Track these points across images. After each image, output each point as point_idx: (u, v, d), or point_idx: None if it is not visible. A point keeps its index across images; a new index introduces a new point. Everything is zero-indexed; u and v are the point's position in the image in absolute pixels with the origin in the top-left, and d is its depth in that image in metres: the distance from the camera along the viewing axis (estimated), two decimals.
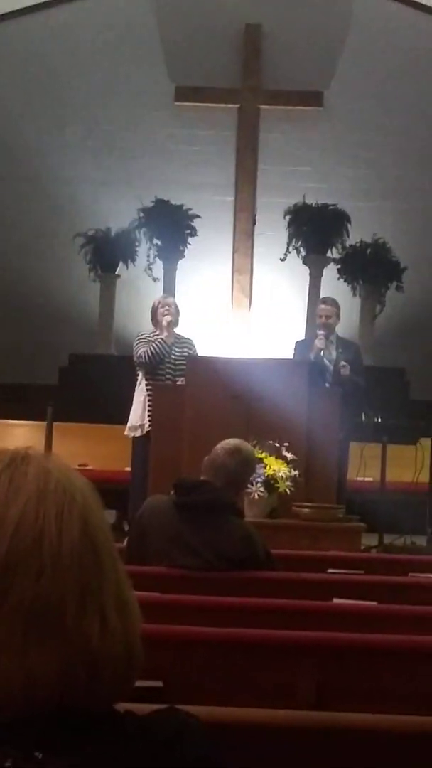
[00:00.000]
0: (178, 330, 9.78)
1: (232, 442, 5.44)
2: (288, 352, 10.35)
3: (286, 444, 8.24)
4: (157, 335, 9.57)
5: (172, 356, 9.50)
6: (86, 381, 13.04)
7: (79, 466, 9.93)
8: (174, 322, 9.64)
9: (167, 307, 9.70)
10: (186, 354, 9.50)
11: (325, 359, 9.84)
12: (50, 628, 1.39)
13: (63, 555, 1.41)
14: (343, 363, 9.79)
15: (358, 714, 2.79)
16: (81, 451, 11.28)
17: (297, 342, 10.46)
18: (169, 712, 1.53)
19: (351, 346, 10.36)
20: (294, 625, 3.80)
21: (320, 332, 10.00)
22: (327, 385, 9.62)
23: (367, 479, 9.95)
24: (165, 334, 9.52)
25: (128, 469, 9.82)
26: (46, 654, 1.38)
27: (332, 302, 10.31)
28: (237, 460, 5.32)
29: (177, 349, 9.55)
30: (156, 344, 9.43)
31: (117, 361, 13.04)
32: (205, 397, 8.73)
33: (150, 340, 9.50)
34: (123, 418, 9.73)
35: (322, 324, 10.07)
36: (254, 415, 8.53)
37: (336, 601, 4.53)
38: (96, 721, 1.41)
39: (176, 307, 9.80)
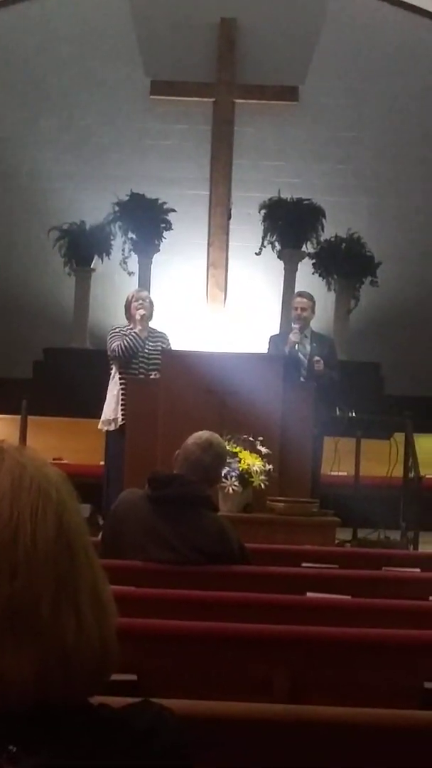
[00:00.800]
0: (152, 324, 9.77)
1: (204, 435, 5.42)
2: (263, 347, 10.36)
3: (260, 438, 8.24)
4: (131, 329, 9.55)
5: (146, 350, 9.49)
6: (61, 375, 13.02)
7: (54, 459, 9.90)
8: (148, 316, 9.63)
9: (141, 301, 9.68)
10: (160, 348, 9.49)
11: (299, 353, 9.87)
12: (25, 627, 1.38)
13: (38, 554, 1.41)
14: (317, 358, 9.82)
15: (333, 707, 2.80)
16: (56, 444, 11.27)
17: (271, 336, 10.48)
18: (143, 705, 1.53)
19: (326, 341, 10.38)
20: (268, 619, 3.80)
21: (295, 326, 10.04)
22: (302, 379, 9.65)
23: (341, 474, 9.97)
24: (138, 328, 9.50)
25: (103, 462, 9.82)
26: (22, 653, 1.38)
27: (308, 296, 10.34)
28: (211, 455, 5.32)
29: (150, 343, 9.55)
30: (129, 338, 9.41)
31: (92, 355, 13.02)
32: (180, 391, 8.72)
33: (124, 334, 9.49)
34: (98, 412, 9.72)
35: (297, 317, 10.10)
36: (229, 409, 8.52)
37: (310, 595, 4.54)
38: (70, 715, 1.41)
39: (150, 301, 9.79)
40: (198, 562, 4.87)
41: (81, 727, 1.42)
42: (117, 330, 9.63)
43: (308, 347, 9.97)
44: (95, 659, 1.43)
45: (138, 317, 9.54)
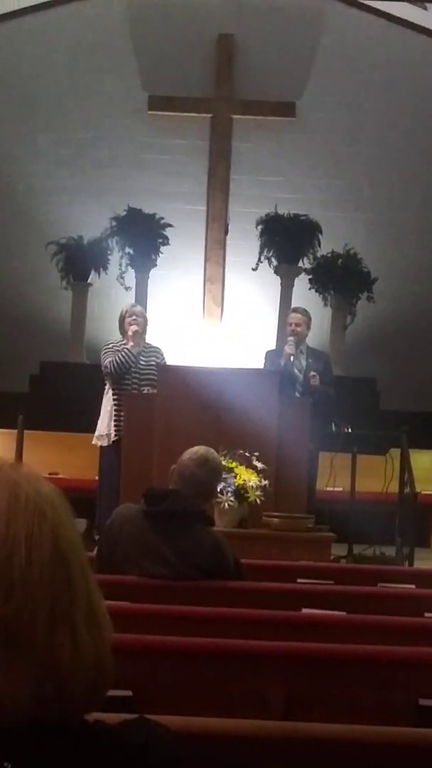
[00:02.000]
0: (147, 338, 9.79)
1: (200, 451, 5.42)
2: (259, 362, 10.37)
3: (256, 454, 8.24)
4: (124, 344, 9.57)
5: (140, 365, 9.51)
6: (57, 389, 13.01)
7: (50, 474, 9.92)
8: (141, 331, 9.66)
9: (134, 317, 9.70)
10: (153, 363, 9.51)
11: (294, 369, 9.89)
12: (20, 647, 1.38)
13: (33, 574, 1.40)
14: (312, 373, 9.84)
15: (327, 724, 2.80)
16: (52, 459, 11.26)
17: (267, 352, 10.49)
18: (138, 722, 1.53)
19: (321, 357, 10.40)
20: (263, 635, 3.80)
21: (290, 338, 10.06)
22: (297, 394, 9.66)
23: (336, 489, 9.96)
24: (131, 344, 9.51)
25: (97, 477, 9.83)
26: (17, 672, 1.38)
27: (303, 311, 10.38)
28: (206, 470, 5.32)
29: (144, 359, 9.57)
30: (122, 354, 9.43)
31: (88, 369, 13.01)
32: (176, 406, 8.72)
33: (117, 350, 9.50)
34: (94, 427, 9.73)
35: (292, 332, 10.14)
36: (225, 424, 8.53)
37: (305, 611, 4.53)
38: (65, 731, 1.41)
39: (144, 317, 9.81)
40: (193, 578, 4.87)
41: (75, 743, 1.42)
42: (110, 345, 9.66)
43: (304, 362, 10.00)
44: (91, 677, 1.43)
45: (130, 333, 9.56)
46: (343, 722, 2.89)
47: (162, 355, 9.76)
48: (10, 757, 1.37)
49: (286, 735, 2.65)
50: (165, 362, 9.73)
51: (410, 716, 3.28)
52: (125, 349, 9.46)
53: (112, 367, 9.42)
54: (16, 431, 10.55)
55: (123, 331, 9.75)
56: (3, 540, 1.41)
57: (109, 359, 9.47)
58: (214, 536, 5.09)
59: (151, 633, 3.70)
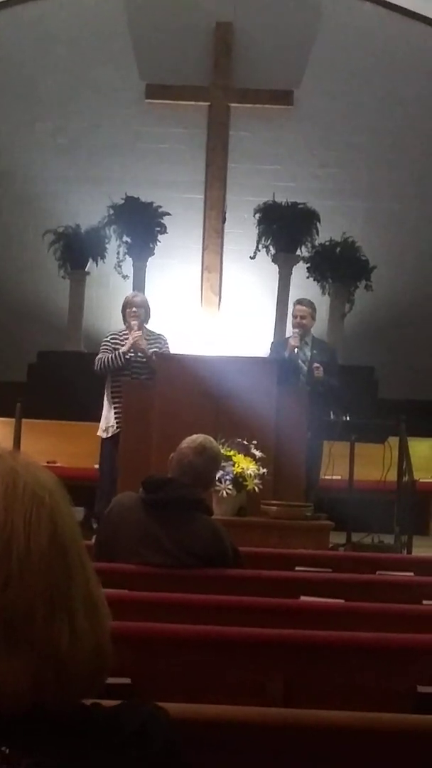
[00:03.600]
0: (149, 326, 9.78)
1: (198, 439, 5.42)
2: (258, 350, 10.40)
3: (254, 442, 8.25)
4: (126, 335, 9.56)
5: (139, 354, 9.50)
6: (55, 378, 13.01)
7: (48, 463, 9.92)
8: (142, 321, 9.65)
9: (134, 309, 9.68)
10: (155, 350, 9.50)
11: (299, 360, 9.94)
12: (19, 635, 1.38)
13: (31, 561, 1.40)
14: (316, 364, 9.88)
15: (326, 711, 2.80)
16: (50, 448, 11.26)
17: (273, 342, 10.55)
18: (136, 705, 1.53)
19: (326, 348, 10.48)
20: (262, 622, 3.80)
21: (295, 330, 10.12)
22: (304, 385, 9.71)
23: (335, 477, 9.96)
24: (134, 332, 9.49)
25: (97, 466, 9.85)
26: (16, 660, 1.38)
27: (308, 303, 10.45)
28: (204, 458, 5.32)
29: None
30: (113, 357, 9.42)
31: (86, 358, 12.98)
32: (175, 394, 8.72)
33: (114, 347, 9.49)
34: (92, 416, 9.74)
35: (297, 323, 10.19)
36: (223, 412, 8.53)
37: (303, 598, 4.54)
38: (63, 716, 1.42)
39: (145, 306, 9.79)
40: (191, 565, 4.87)
41: (73, 727, 1.42)
42: (109, 339, 9.65)
43: (309, 353, 10.04)
44: (90, 664, 1.43)
45: (134, 326, 9.55)
46: (341, 709, 2.89)
47: (164, 341, 9.74)
48: (7, 741, 1.37)
49: (284, 722, 2.66)
50: (168, 349, 9.73)
51: (409, 703, 3.29)
52: (118, 353, 9.43)
53: (100, 366, 9.47)
54: (14, 420, 10.55)
55: (125, 320, 9.76)
56: (1, 527, 1.41)
57: (100, 357, 9.50)
58: (212, 524, 5.09)
59: (150, 621, 3.71)
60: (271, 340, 12.26)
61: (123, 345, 9.52)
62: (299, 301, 10.64)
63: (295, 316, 10.33)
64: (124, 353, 9.44)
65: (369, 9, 15.11)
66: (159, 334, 9.79)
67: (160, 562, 4.87)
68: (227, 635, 3.56)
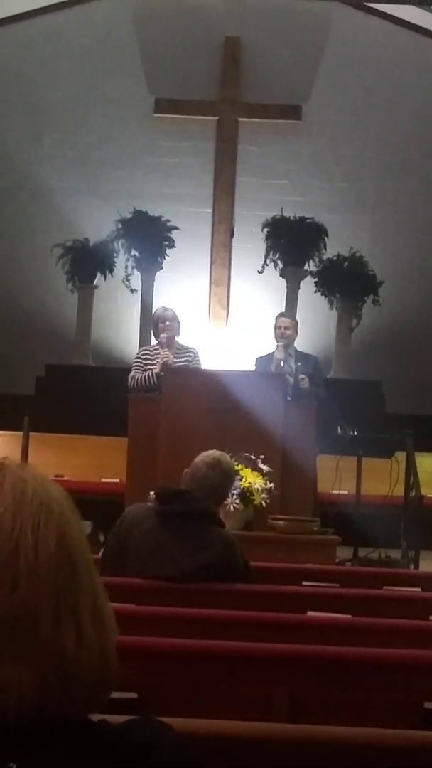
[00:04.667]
0: (179, 339, 9.67)
1: (213, 454, 5.45)
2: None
3: (261, 456, 8.24)
4: (157, 351, 9.45)
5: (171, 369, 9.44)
6: (63, 391, 13.02)
7: (55, 476, 9.90)
8: (176, 334, 9.57)
9: (167, 323, 9.59)
10: (185, 366, 9.42)
11: (285, 372, 9.91)
12: (24, 641, 1.39)
13: (39, 567, 1.41)
14: (302, 376, 9.85)
15: (333, 727, 2.80)
16: (57, 461, 11.25)
17: (258, 358, 10.47)
18: (142, 721, 1.53)
19: (309, 359, 10.42)
20: (268, 637, 3.80)
21: (279, 343, 10.11)
22: (288, 398, 9.66)
23: (342, 492, 9.95)
24: (163, 352, 9.38)
25: (105, 480, 9.85)
26: (20, 667, 1.38)
27: (290, 316, 10.60)
28: (218, 472, 5.35)
29: (177, 360, 9.47)
30: (146, 376, 9.33)
31: (94, 371, 13.05)
32: (182, 408, 8.72)
33: (146, 367, 9.38)
34: (100, 429, 9.73)
35: (281, 335, 10.19)
36: (230, 427, 8.52)
37: (310, 613, 4.53)
38: (69, 731, 1.42)
39: (177, 320, 9.68)
40: (201, 578, 4.87)
41: (79, 743, 1.42)
42: (141, 355, 9.57)
43: (293, 366, 10.02)
44: (95, 674, 1.43)
45: (164, 341, 9.46)
46: (348, 725, 2.88)
47: (195, 354, 9.64)
48: (14, 757, 1.37)
49: (291, 738, 2.65)
50: (199, 362, 9.64)
51: (416, 719, 3.28)
52: (150, 374, 9.32)
53: (133, 384, 9.35)
54: (21, 433, 10.55)
55: (156, 334, 9.67)
56: (9, 532, 1.41)
57: (133, 375, 9.40)
58: (224, 537, 5.10)
59: (156, 635, 3.70)
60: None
61: (154, 360, 9.41)
62: (281, 314, 10.69)
63: (278, 327, 10.31)
64: (157, 374, 9.35)
65: (376, 24, 15.14)
66: (190, 348, 9.69)
67: (170, 573, 4.87)
68: (234, 650, 3.55)
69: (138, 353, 9.76)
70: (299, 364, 10.09)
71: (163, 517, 5.02)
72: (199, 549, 4.92)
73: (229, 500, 7.83)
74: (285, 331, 10.21)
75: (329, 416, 9.96)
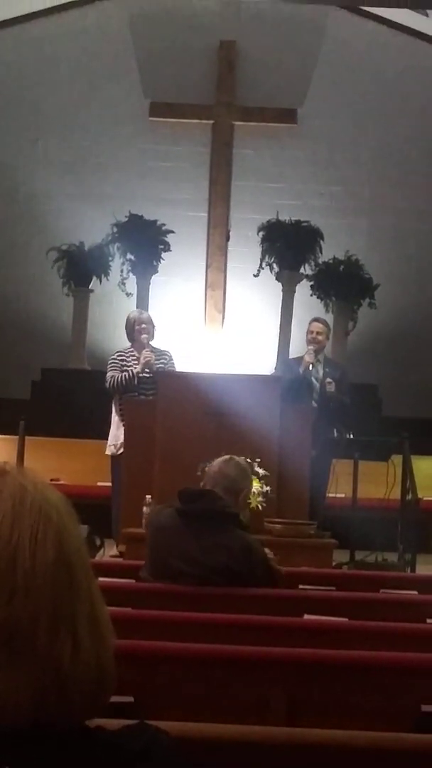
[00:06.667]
0: (153, 343, 9.82)
1: (226, 456, 5.64)
2: (260, 368, 10.43)
3: (258, 460, 8.24)
4: (132, 353, 9.59)
5: (146, 372, 9.52)
6: (59, 395, 13.02)
7: (51, 480, 9.85)
8: (149, 337, 9.72)
9: (143, 325, 9.75)
10: (160, 368, 9.53)
11: (312, 377, 9.99)
12: (21, 649, 1.38)
13: (37, 576, 1.40)
14: (328, 379, 9.94)
15: (329, 730, 2.79)
16: (53, 465, 11.26)
17: (286, 360, 10.61)
18: (139, 727, 1.53)
19: (338, 366, 10.53)
20: (265, 641, 3.79)
21: (310, 347, 10.17)
22: (314, 404, 9.72)
23: (339, 495, 9.95)
24: (146, 351, 9.52)
25: (101, 484, 9.85)
26: (16, 676, 1.37)
27: (324, 322, 10.62)
28: (232, 466, 5.48)
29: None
30: (126, 376, 9.44)
31: (90, 375, 13.03)
32: (178, 412, 8.72)
33: (122, 368, 9.51)
34: (95, 433, 9.74)
35: (312, 339, 10.26)
36: (226, 430, 8.52)
37: (307, 617, 4.53)
38: (66, 736, 1.41)
39: (152, 323, 9.87)
40: (217, 579, 4.90)
41: (76, 749, 1.42)
42: (117, 358, 9.67)
43: (321, 371, 10.09)
44: (92, 682, 1.43)
45: (146, 342, 9.62)
46: (345, 728, 2.88)
47: (170, 357, 9.79)
48: (10, 761, 1.37)
49: (288, 741, 2.65)
50: (174, 365, 9.77)
51: (412, 722, 3.28)
52: (130, 372, 9.46)
53: (113, 384, 9.47)
54: (17, 437, 10.55)
55: (131, 337, 9.79)
56: (7, 541, 1.41)
57: (112, 374, 9.51)
58: (246, 539, 5.13)
59: (152, 639, 3.70)
60: (275, 357, 12.26)
61: (130, 362, 9.54)
62: (316, 319, 10.74)
63: (311, 332, 10.38)
64: (138, 373, 9.45)
65: (372, 27, 15.16)
66: (164, 351, 9.85)
67: (190, 572, 4.90)
68: (231, 653, 3.55)
69: (113, 355, 9.83)
70: (327, 370, 10.17)
71: (186, 516, 5.07)
72: (218, 549, 4.96)
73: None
74: (317, 336, 10.30)
75: (354, 423, 10.02)
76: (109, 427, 9.65)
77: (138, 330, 9.73)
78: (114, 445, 9.50)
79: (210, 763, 2.44)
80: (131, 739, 1.48)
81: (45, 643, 1.39)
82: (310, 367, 10.05)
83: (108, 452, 9.60)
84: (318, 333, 10.32)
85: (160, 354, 9.74)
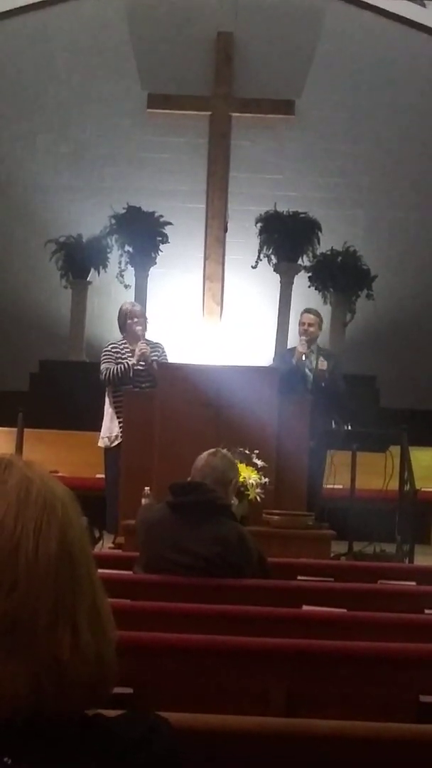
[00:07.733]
0: (147, 335, 9.83)
1: (210, 449, 5.65)
2: (259, 359, 10.43)
3: (256, 451, 8.25)
4: (125, 345, 9.61)
5: (139, 364, 9.52)
6: (57, 387, 13.01)
7: (50, 472, 9.89)
8: (143, 330, 9.73)
9: (136, 318, 9.76)
10: (153, 360, 9.54)
11: (306, 368, 9.99)
12: (21, 641, 1.38)
13: (39, 568, 1.41)
14: (321, 359, 9.96)
15: (329, 721, 2.80)
16: (51, 457, 11.25)
17: (279, 352, 10.59)
18: (138, 715, 1.53)
19: (331, 356, 10.52)
20: (264, 632, 3.80)
21: (302, 338, 10.17)
22: (309, 394, 9.74)
23: (337, 487, 9.96)
24: (141, 343, 9.53)
25: (100, 476, 9.85)
26: (16, 666, 1.38)
27: (315, 313, 10.56)
28: (219, 457, 5.52)
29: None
30: (122, 368, 9.45)
31: (88, 367, 13.00)
32: (176, 404, 8.72)
33: (117, 359, 9.52)
34: (94, 425, 9.74)
35: (304, 331, 10.26)
36: (225, 422, 8.53)
37: (306, 608, 4.54)
38: (65, 726, 1.42)
39: (145, 317, 9.90)
40: (213, 570, 4.91)
41: (75, 738, 1.42)
42: (111, 349, 9.68)
43: (314, 362, 10.09)
44: (91, 675, 1.43)
45: (140, 333, 9.63)
46: (344, 719, 2.89)
47: (162, 350, 9.81)
48: (10, 752, 1.37)
49: (287, 732, 2.66)
50: (166, 357, 9.78)
51: (411, 712, 3.29)
52: (126, 364, 9.47)
53: (108, 376, 9.48)
54: (15, 429, 10.55)
55: (124, 330, 9.80)
56: (11, 532, 1.41)
57: (107, 366, 9.51)
58: (238, 530, 5.16)
59: (151, 630, 3.71)
60: (273, 349, 12.25)
61: (124, 354, 9.55)
62: (307, 310, 10.71)
63: (302, 323, 10.38)
64: (133, 365, 9.46)
65: (370, 18, 15.13)
66: (157, 343, 9.85)
67: (185, 563, 4.92)
68: (230, 644, 3.56)
69: (106, 347, 9.84)
70: (321, 359, 10.19)
71: (178, 509, 5.08)
72: (213, 541, 4.98)
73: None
74: (308, 328, 10.30)
75: (350, 413, 10.03)
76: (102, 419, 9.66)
77: (131, 323, 9.74)
78: (108, 437, 9.50)
79: (210, 754, 2.45)
80: (130, 726, 1.48)
81: (45, 635, 1.39)
82: (303, 358, 10.05)
83: (101, 444, 9.59)
84: (309, 324, 10.32)
85: (153, 346, 9.75)
